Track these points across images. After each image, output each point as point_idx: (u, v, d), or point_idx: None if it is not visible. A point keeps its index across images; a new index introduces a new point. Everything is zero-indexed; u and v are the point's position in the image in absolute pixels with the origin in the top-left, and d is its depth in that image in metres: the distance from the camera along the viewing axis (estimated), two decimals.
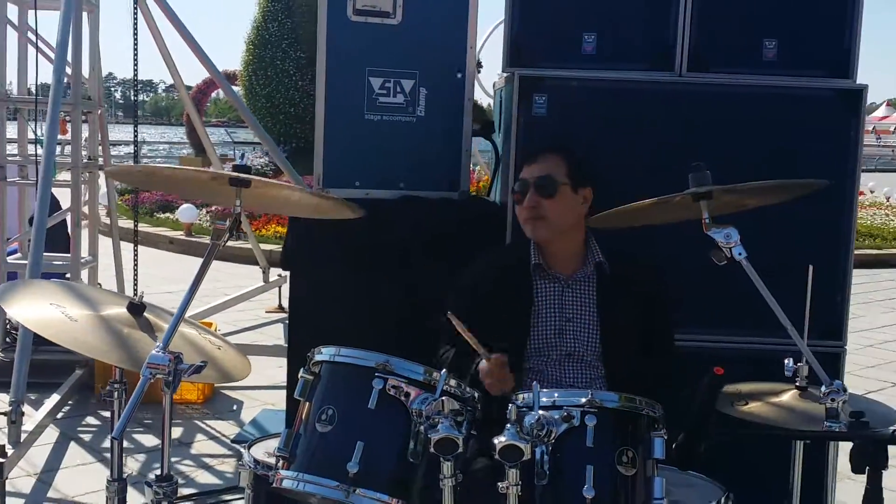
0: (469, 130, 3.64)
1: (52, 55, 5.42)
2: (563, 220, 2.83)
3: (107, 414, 5.31)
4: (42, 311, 2.33)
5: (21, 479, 4.33)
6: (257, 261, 8.33)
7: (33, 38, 5.89)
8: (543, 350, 2.82)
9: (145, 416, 5.40)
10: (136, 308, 2.46)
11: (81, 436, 5.08)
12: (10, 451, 3.97)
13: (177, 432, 5.20)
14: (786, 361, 2.49)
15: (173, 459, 4.80)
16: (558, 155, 2.87)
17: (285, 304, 8.62)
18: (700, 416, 2.13)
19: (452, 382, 2.09)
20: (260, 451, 2.63)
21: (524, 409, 2.09)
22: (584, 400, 2.06)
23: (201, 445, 5.01)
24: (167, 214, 13.42)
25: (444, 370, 2.07)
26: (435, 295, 3.45)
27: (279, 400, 5.78)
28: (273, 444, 2.71)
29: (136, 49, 5.93)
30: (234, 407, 5.69)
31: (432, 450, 1.95)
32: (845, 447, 1.88)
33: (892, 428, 1.66)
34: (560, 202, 2.81)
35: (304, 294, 3.58)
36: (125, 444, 4.95)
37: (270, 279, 8.27)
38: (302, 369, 2.21)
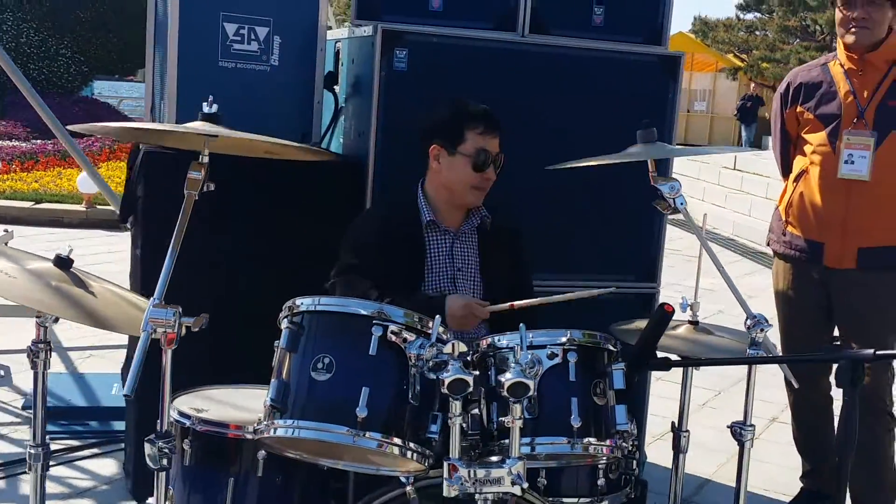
0: (321, 82, 3.63)
1: None
2: None
3: None
4: None
5: None
6: None
7: None
8: None
9: None
10: (64, 262, 2.29)
11: None
12: None
13: None
14: (681, 299, 2.80)
15: None
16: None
17: None
18: (644, 349, 2.39)
19: (441, 328, 2.18)
20: (184, 406, 2.54)
21: (505, 349, 2.24)
22: (564, 339, 2.24)
23: None
24: None
25: (437, 316, 2.16)
26: (292, 246, 3.48)
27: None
28: (190, 399, 2.65)
29: None
30: (2, 373, 5.23)
31: (444, 391, 2.04)
32: None
33: (871, 350, 1.98)
34: None
35: (153, 248, 3.42)
36: None
37: None
38: (285, 320, 2.19)
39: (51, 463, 4.06)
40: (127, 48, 18.12)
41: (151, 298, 1.98)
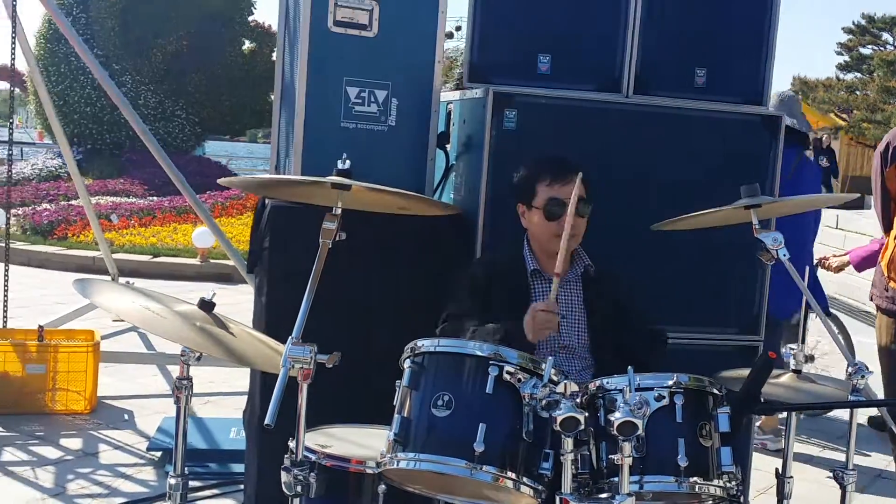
0: (434, 141, 3.84)
1: None
2: (582, 236, 3.13)
3: None
4: (129, 307, 2.35)
5: None
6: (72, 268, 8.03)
7: None
8: (542, 343, 3.10)
9: (36, 429, 5.19)
10: (207, 305, 2.52)
11: None
12: None
13: (76, 444, 5.03)
14: (784, 349, 2.88)
15: (85, 471, 4.66)
16: (579, 176, 3.12)
17: None
18: (749, 393, 2.48)
19: (553, 370, 2.31)
20: (310, 442, 2.72)
21: (614, 391, 2.36)
22: (671, 382, 2.36)
23: (109, 455, 4.88)
24: None
25: (549, 357, 2.30)
26: (408, 295, 3.66)
27: (167, 407, 5.70)
28: (314, 436, 2.83)
29: (13, 45, 5.69)
30: (126, 416, 5.55)
31: (557, 428, 2.17)
32: None
33: None
34: (585, 221, 3.12)
35: (278, 296, 3.64)
36: (25, 456, 4.78)
37: None
38: (408, 360, 2.36)
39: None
40: (237, 110, 18.93)
41: (290, 337, 2.17)
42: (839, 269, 4.89)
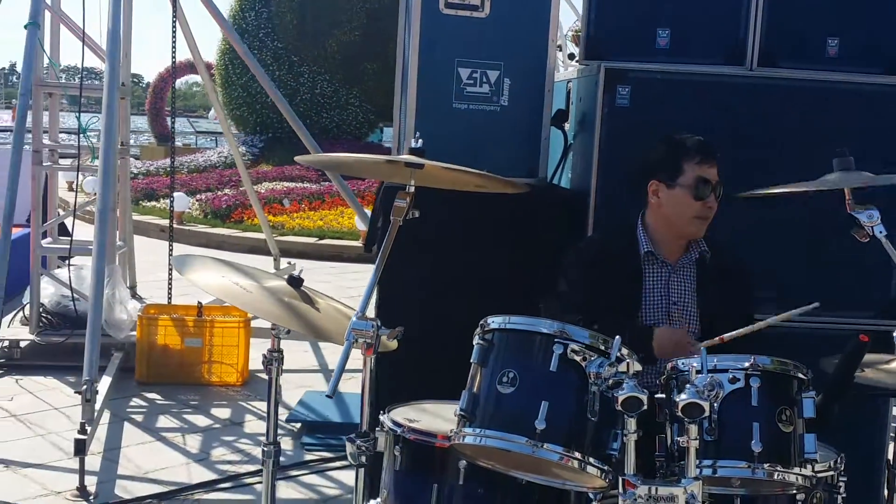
0: (548, 120, 3.81)
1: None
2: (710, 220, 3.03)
3: (151, 395, 5.49)
4: (218, 281, 2.48)
5: (89, 457, 4.38)
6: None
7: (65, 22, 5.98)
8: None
9: (191, 398, 5.52)
10: (296, 281, 2.61)
11: (133, 416, 5.18)
12: (88, 428, 4.08)
13: (225, 413, 5.33)
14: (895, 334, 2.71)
15: (229, 438, 4.93)
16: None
17: None
18: (840, 379, 2.35)
19: (625, 351, 2.27)
20: (399, 417, 2.77)
21: (687, 373, 2.29)
22: (747, 364, 2.27)
23: (253, 425, 5.14)
24: (153, 203, 13.44)
25: (617, 337, 2.26)
26: (522, 274, 3.66)
27: (314, 382, 5.95)
28: (406, 410, 2.89)
29: (174, 37, 6.04)
30: None
31: (619, 408, 2.14)
32: None
33: None
34: (717, 205, 3.02)
35: (388, 275, 3.71)
36: (177, 423, 5.09)
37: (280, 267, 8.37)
38: (477, 336, 2.38)
39: (305, 472, 4.57)
40: None
41: (356, 311, 2.23)
42: None
